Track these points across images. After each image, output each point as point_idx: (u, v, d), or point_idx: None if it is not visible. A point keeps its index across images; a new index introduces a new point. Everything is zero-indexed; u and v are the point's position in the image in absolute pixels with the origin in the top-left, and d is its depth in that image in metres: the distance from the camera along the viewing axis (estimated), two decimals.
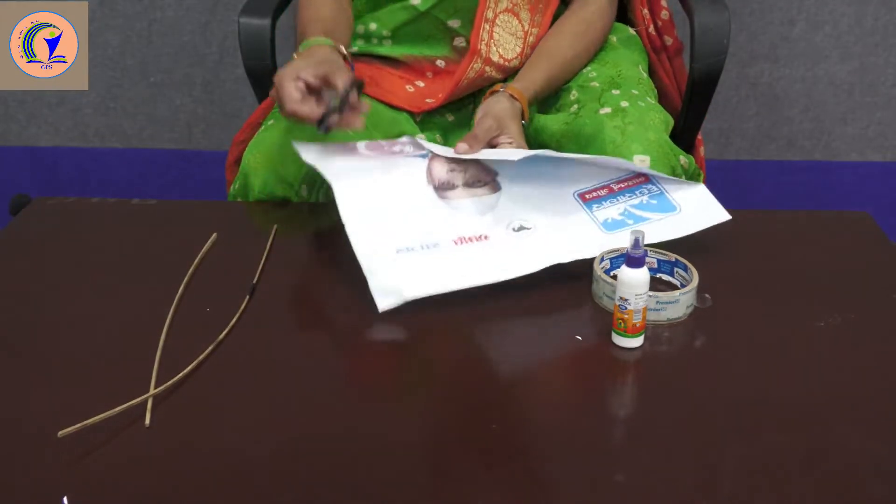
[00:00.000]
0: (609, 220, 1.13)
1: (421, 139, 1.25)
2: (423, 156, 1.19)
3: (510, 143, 1.24)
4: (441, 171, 1.17)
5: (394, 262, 1.06)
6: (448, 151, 1.20)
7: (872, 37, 2.10)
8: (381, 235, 1.08)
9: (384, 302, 1.02)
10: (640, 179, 1.17)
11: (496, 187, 1.17)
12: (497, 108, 1.27)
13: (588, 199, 1.16)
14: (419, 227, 1.11)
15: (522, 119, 1.30)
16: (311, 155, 1.17)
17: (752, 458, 0.84)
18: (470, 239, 1.10)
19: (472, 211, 1.14)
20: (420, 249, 1.08)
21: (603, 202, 1.15)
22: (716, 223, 1.13)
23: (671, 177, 1.18)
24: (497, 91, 1.32)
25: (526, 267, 1.07)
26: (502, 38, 1.40)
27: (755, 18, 2.09)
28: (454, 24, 1.40)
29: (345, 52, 1.24)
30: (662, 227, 1.13)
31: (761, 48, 2.12)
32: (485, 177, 1.18)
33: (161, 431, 0.87)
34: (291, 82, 1.13)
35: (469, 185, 1.17)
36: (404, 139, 1.25)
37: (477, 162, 1.18)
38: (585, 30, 1.42)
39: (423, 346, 1.02)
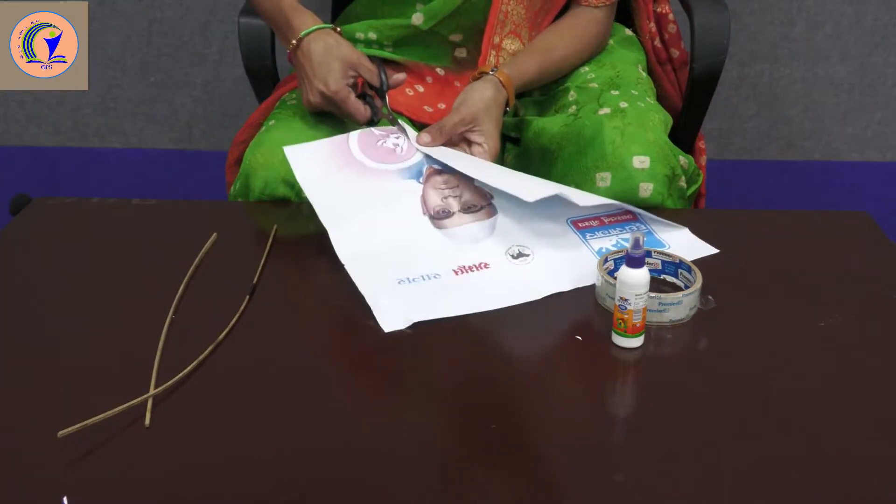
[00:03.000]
0: (603, 249, 1.13)
1: (406, 126, 1.27)
2: (417, 176, 1.20)
3: (481, 143, 1.24)
4: (436, 198, 1.18)
5: (396, 291, 1.06)
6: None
7: (872, 37, 2.10)
8: (380, 267, 1.09)
9: (392, 325, 1.01)
10: (628, 216, 1.18)
11: (492, 211, 1.17)
12: (477, 97, 1.27)
13: (581, 228, 1.16)
14: (418, 260, 1.11)
15: (507, 106, 1.30)
16: (301, 171, 1.19)
17: (752, 458, 0.84)
18: (470, 268, 1.11)
19: (469, 238, 1.14)
20: (421, 280, 1.08)
21: (595, 232, 1.16)
22: (705, 255, 1.13)
23: (656, 217, 1.17)
24: (486, 73, 1.31)
25: (528, 295, 1.07)
26: (505, 60, 1.40)
27: (755, 18, 2.09)
28: (456, 38, 1.40)
29: (338, 29, 1.31)
30: None
31: (761, 48, 2.12)
32: (480, 201, 1.18)
33: (161, 431, 0.87)
34: (351, 96, 1.25)
35: (465, 210, 1.17)
36: (396, 128, 1.26)
37: (471, 185, 1.19)
38: (582, 34, 1.42)
39: (423, 345, 1.02)
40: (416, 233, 1.14)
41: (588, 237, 1.15)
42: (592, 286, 1.07)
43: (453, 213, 1.17)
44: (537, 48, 1.39)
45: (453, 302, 1.05)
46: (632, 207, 1.18)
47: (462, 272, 1.10)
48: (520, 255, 1.12)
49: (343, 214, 1.15)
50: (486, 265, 1.11)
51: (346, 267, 1.08)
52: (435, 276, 1.09)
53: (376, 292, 1.05)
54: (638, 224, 1.17)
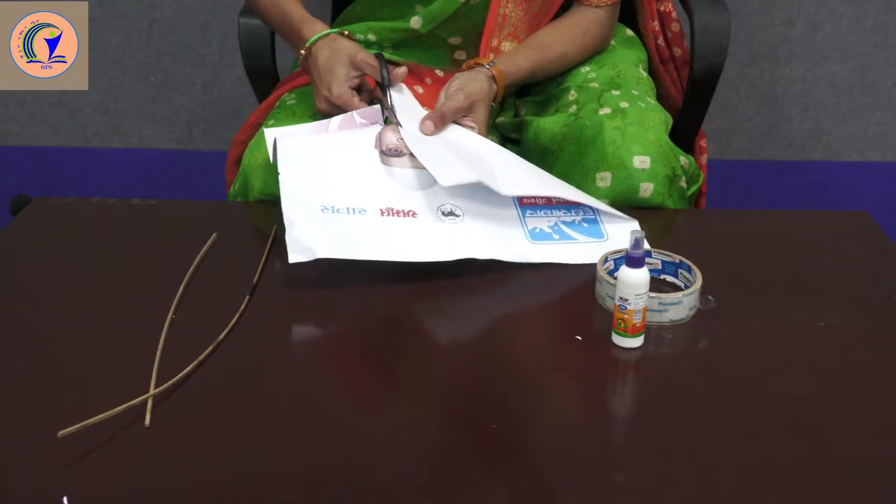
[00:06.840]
0: (537, 231, 1.14)
1: (396, 91, 1.28)
2: (381, 122, 1.23)
3: (473, 128, 1.26)
4: (391, 137, 1.20)
5: (316, 219, 1.07)
6: (416, 105, 1.26)
7: (872, 37, 2.10)
8: (310, 190, 1.10)
9: (296, 256, 1.05)
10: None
11: None
12: (474, 87, 1.28)
13: (524, 204, 1.16)
14: (351, 187, 1.12)
15: (494, 100, 1.32)
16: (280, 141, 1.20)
17: (752, 458, 0.84)
18: (398, 213, 1.11)
19: (408, 183, 1.15)
20: (346, 212, 1.09)
21: (537, 210, 1.16)
22: None
23: (611, 209, 1.18)
24: (480, 65, 1.32)
25: (442, 254, 1.08)
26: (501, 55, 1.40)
27: (755, 18, 2.09)
28: (455, 41, 1.40)
29: (346, 32, 1.32)
30: (585, 251, 1.12)
31: (761, 48, 2.12)
32: None
33: (161, 431, 0.87)
34: (355, 99, 1.26)
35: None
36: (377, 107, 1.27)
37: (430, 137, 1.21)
38: (582, 33, 1.42)
39: (423, 345, 1.02)
40: (361, 160, 1.16)
41: (527, 214, 1.15)
42: (595, 265, 1.07)
43: (403, 155, 1.18)
44: (534, 44, 1.39)
45: (367, 244, 1.07)
46: (586, 198, 1.17)
47: (388, 214, 1.11)
48: (450, 213, 1.13)
49: (296, 132, 1.19)
50: (413, 213, 1.12)
51: (280, 178, 1.10)
52: (360, 212, 1.10)
53: (295, 216, 1.07)
54: (586, 209, 1.17)
